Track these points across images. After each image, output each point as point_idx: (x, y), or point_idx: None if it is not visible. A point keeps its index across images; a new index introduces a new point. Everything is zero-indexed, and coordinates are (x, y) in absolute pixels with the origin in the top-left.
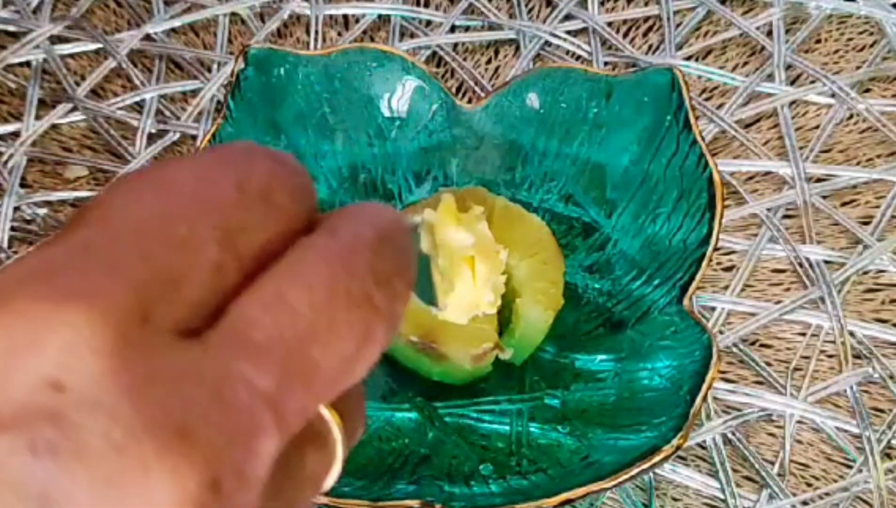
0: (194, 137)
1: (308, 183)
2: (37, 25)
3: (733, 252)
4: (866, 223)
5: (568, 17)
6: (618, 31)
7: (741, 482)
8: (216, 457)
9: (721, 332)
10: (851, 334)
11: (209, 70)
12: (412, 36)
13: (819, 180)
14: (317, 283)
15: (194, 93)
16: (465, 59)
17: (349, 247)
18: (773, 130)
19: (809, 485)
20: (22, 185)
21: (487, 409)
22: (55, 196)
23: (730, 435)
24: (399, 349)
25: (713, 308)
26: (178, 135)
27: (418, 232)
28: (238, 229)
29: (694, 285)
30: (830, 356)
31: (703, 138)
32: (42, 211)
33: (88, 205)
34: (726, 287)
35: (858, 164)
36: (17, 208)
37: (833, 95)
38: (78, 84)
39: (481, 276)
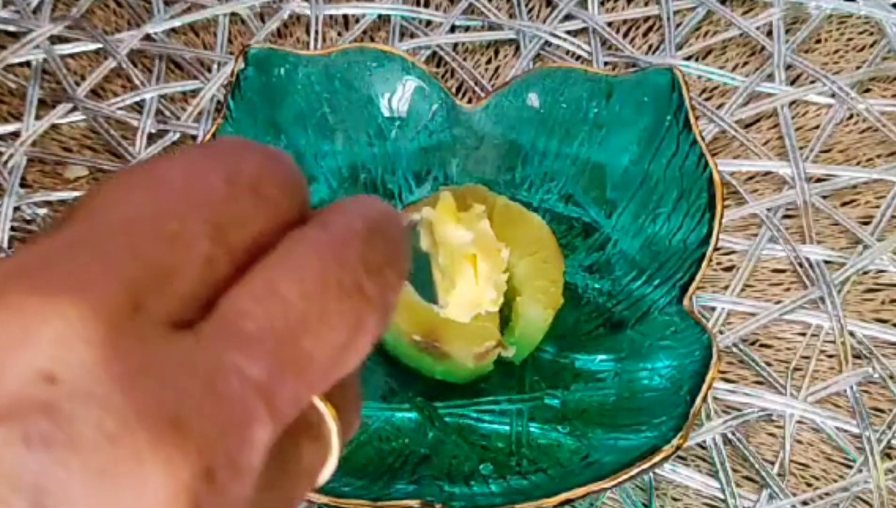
0: (194, 137)
1: (299, 177)
2: (37, 25)
3: (733, 252)
4: (866, 223)
5: (568, 17)
6: (618, 31)
7: (741, 482)
8: (209, 447)
9: (721, 332)
10: (851, 334)
11: (209, 70)
12: (412, 36)
13: (819, 180)
14: (307, 273)
15: (194, 93)
16: (465, 59)
17: (340, 238)
18: (773, 130)
19: (809, 485)
20: (22, 185)
21: (487, 409)
22: (55, 196)
23: (730, 435)
24: (401, 349)
25: (713, 308)
26: (178, 135)
27: (417, 230)
28: (228, 222)
29: (694, 285)
30: (830, 356)
31: (703, 138)
32: (42, 211)
33: (80, 201)
34: (726, 287)
35: (858, 164)
36: (17, 208)
37: (833, 95)
38: (78, 84)
39: (483, 274)
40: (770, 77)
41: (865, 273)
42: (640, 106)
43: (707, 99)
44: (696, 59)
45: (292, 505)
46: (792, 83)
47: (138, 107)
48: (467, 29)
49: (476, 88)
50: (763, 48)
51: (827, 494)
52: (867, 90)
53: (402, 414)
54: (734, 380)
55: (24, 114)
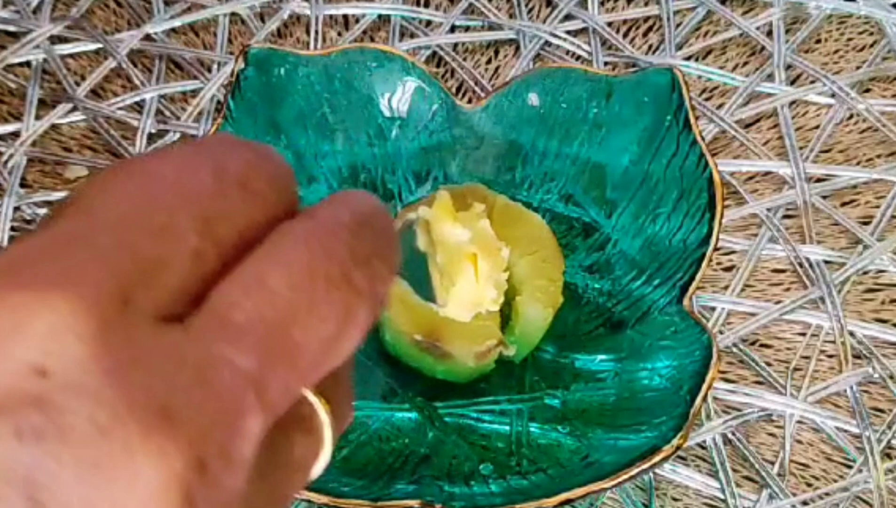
0: (194, 137)
1: (288, 173)
2: (37, 25)
3: (733, 252)
4: (866, 223)
5: (568, 17)
6: (618, 31)
7: (741, 482)
8: (201, 438)
9: (721, 332)
10: (851, 334)
11: (209, 70)
12: (412, 36)
13: (819, 180)
14: (295, 265)
15: (194, 93)
16: (465, 60)
17: (327, 230)
18: (773, 130)
19: (809, 485)
20: (22, 185)
21: (487, 409)
22: (55, 196)
23: (730, 435)
24: (402, 348)
25: (713, 308)
26: (178, 135)
27: (414, 229)
28: (216, 216)
29: (694, 285)
30: (830, 356)
31: (703, 138)
32: (42, 211)
33: (69, 197)
34: (726, 287)
35: (858, 164)
36: (17, 208)
37: (833, 95)
38: (78, 84)
39: (484, 273)
40: (770, 77)
41: (865, 273)
42: (640, 106)
43: (707, 99)
44: (696, 59)
45: (286, 499)
46: (792, 83)
47: (138, 107)
48: (467, 29)
49: (476, 88)
50: (763, 48)
51: (827, 494)
52: (867, 90)
53: (402, 414)
54: (734, 380)
55: (24, 114)
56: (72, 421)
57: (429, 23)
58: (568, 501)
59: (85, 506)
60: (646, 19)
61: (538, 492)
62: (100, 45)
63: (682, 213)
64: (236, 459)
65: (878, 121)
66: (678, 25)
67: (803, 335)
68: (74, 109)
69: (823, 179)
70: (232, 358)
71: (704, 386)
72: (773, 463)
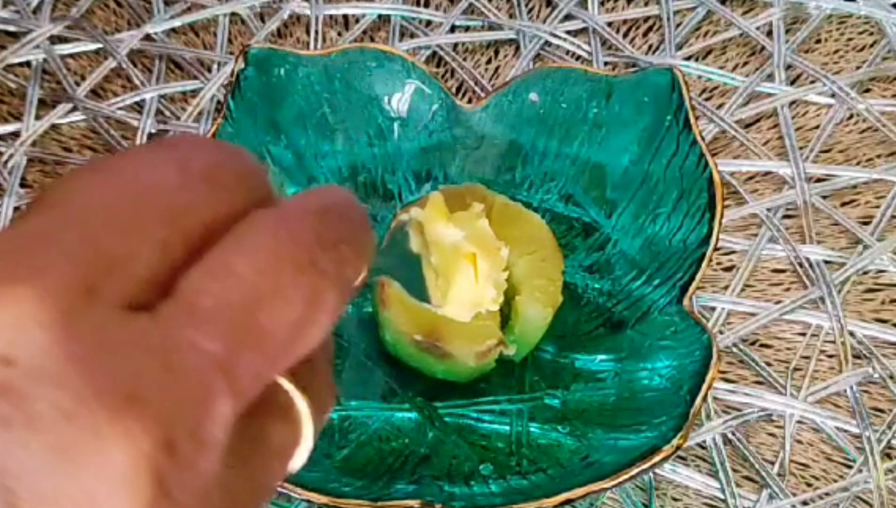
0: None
1: (257, 169)
2: (37, 25)
3: (733, 252)
4: (866, 223)
5: (568, 17)
6: (618, 31)
7: (741, 482)
8: (168, 419)
9: (721, 332)
10: (851, 334)
11: (209, 70)
12: (412, 36)
13: (819, 180)
14: (261, 251)
15: (194, 93)
16: (465, 60)
17: (293, 217)
18: (773, 130)
19: (809, 485)
20: (22, 185)
21: (487, 409)
22: None
23: (730, 435)
24: (402, 348)
25: (713, 308)
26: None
27: (406, 231)
28: (182, 209)
29: (694, 285)
30: (830, 356)
31: (703, 138)
32: None
33: (39, 196)
34: (726, 287)
35: (858, 164)
36: (17, 208)
37: (833, 95)
38: (78, 84)
39: (483, 273)
40: (770, 77)
41: (865, 273)
42: (640, 106)
43: (707, 99)
44: (696, 59)
45: (267, 486)
46: (792, 83)
47: (138, 107)
48: (467, 29)
49: (476, 88)
50: (763, 48)
51: (827, 494)
52: (867, 90)
53: (402, 414)
54: (734, 380)
55: (24, 114)
56: (38, 408)
57: (429, 23)
58: (568, 501)
59: (55, 492)
60: (646, 19)
61: (538, 492)
62: (100, 45)
63: (682, 213)
64: (208, 442)
65: (878, 121)
66: (678, 25)
67: (803, 335)
68: (74, 109)
69: (823, 179)
70: (199, 342)
71: (704, 386)
72: (773, 463)
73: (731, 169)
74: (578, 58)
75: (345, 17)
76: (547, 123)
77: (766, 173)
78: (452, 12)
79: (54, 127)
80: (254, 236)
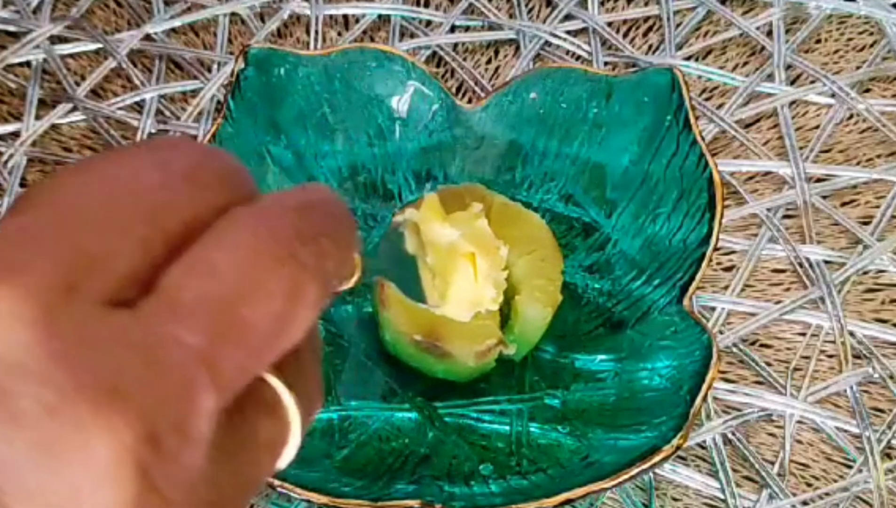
0: (194, 137)
1: (239, 169)
2: (37, 25)
3: (733, 252)
4: (866, 223)
5: (568, 17)
6: (618, 31)
7: (741, 482)
8: (151, 412)
9: (721, 332)
10: (851, 334)
11: (209, 70)
12: (412, 36)
13: (819, 180)
14: (240, 245)
15: (194, 93)
16: (465, 60)
17: (271, 211)
18: (773, 130)
19: (809, 485)
20: (22, 185)
21: (487, 409)
22: None
23: (730, 435)
24: (402, 349)
25: (713, 308)
26: (178, 135)
27: (401, 232)
28: (162, 207)
29: (694, 285)
30: (830, 356)
31: (703, 138)
32: None
33: (22, 196)
34: (726, 287)
35: (858, 164)
36: None
37: (833, 95)
38: (78, 84)
39: (483, 272)
40: (770, 77)
41: (865, 273)
42: (640, 106)
43: (707, 99)
44: (696, 59)
45: (255, 481)
46: (792, 83)
47: (138, 107)
48: (467, 29)
49: (476, 88)
50: (763, 48)
51: (827, 494)
52: (867, 90)
53: (402, 414)
54: (734, 380)
55: (24, 114)
56: (20, 404)
57: (429, 23)
58: (568, 501)
59: (40, 487)
60: (646, 19)
61: (538, 492)
62: (100, 45)
63: (682, 213)
64: (192, 435)
65: (878, 121)
66: (678, 25)
67: (803, 335)
68: (74, 109)
69: (823, 179)
70: (181, 336)
71: (704, 386)
72: (773, 463)
73: (731, 169)
74: (578, 58)
75: (345, 17)
76: (547, 123)
77: (766, 173)
78: (452, 12)
79: (54, 127)
80: (233, 232)
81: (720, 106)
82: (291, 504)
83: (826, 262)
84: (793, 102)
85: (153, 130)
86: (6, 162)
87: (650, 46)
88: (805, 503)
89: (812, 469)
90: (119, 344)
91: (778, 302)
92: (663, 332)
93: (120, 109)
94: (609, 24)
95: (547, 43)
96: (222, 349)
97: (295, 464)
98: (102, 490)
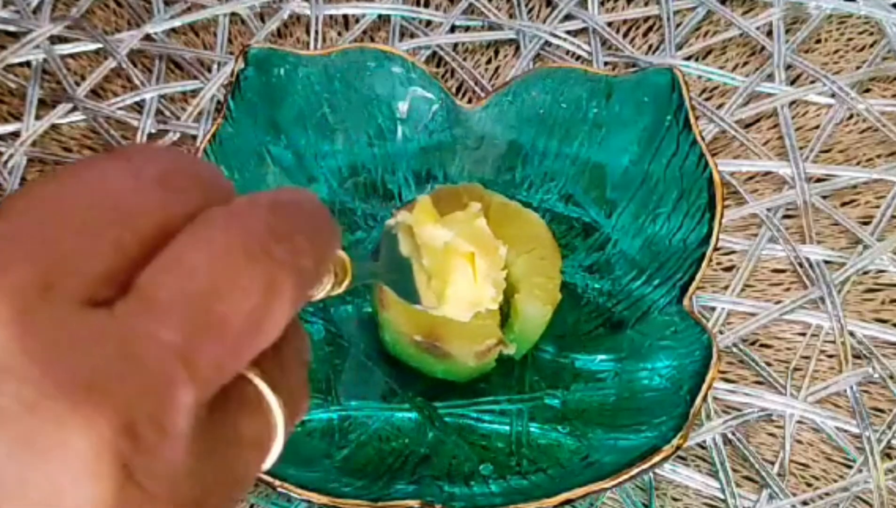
0: (194, 137)
1: (213, 173)
2: (37, 25)
3: (733, 252)
4: (866, 223)
5: (568, 17)
6: (618, 31)
7: (741, 482)
8: (128, 406)
9: (721, 332)
10: (851, 334)
11: (209, 70)
12: (412, 36)
13: (819, 180)
14: (213, 242)
15: (194, 93)
16: (465, 60)
17: (244, 210)
18: (773, 130)
19: (809, 485)
20: (22, 185)
21: (487, 409)
22: None
23: (730, 435)
24: (402, 349)
25: (713, 308)
26: (178, 135)
27: (394, 234)
28: (136, 210)
29: (694, 285)
30: (830, 356)
31: (703, 138)
32: None
33: (2, 203)
34: (726, 287)
35: (858, 164)
36: None
37: (833, 95)
38: (78, 84)
39: (482, 272)
40: (770, 77)
41: (865, 273)
42: (640, 106)
43: (707, 99)
44: (696, 59)
45: (242, 479)
46: (792, 83)
47: (138, 107)
48: (467, 29)
49: (476, 88)
50: (763, 48)
51: (827, 494)
52: (867, 90)
53: (402, 414)
54: (734, 380)
55: (24, 114)
56: (0, 402)
57: (429, 23)
58: (568, 501)
59: (21, 483)
60: (646, 19)
61: (538, 492)
62: (100, 45)
63: (682, 213)
64: (169, 429)
65: (878, 121)
66: (678, 25)
67: (803, 335)
68: (74, 109)
69: (823, 179)
70: (157, 333)
71: (704, 386)
72: (773, 463)
73: (731, 169)
74: (578, 58)
75: (345, 17)
76: (547, 123)
77: (766, 173)
78: (452, 12)
79: (54, 127)
80: (206, 230)
81: (720, 106)
82: (291, 504)
83: (826, 262)
84: (793, 102)
85: (153, 130)
86: (6, 162)
87: (650, 46)
88: (805, 503)
89: (812, 469)
90: (96, 342)
91: (778, 302)
92: (663, 332)
93: (120, 109)
94: (609, 24)
95: (547, 43)
96: (199, 344)
97: (295, 464)
98: (83, 484)
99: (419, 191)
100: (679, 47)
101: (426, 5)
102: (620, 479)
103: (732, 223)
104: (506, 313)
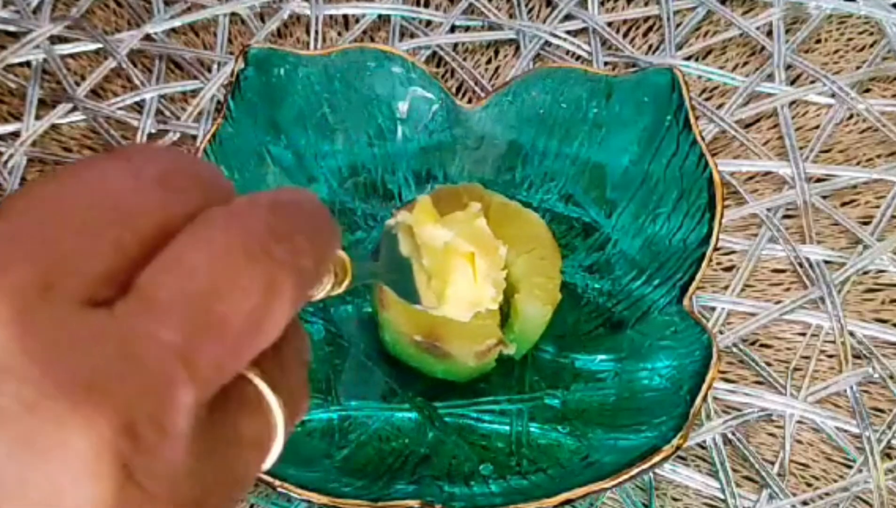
0: (194, 137)
1: (213, 173)
2: (37, 25)
3: (733, 252)
4: (866, 223)
5: (568, 17)
6: (618, 31)
7: (741, 482)
8: (128, 405)
9: (721, 332)
10: (851, 334)
11: (209, 70)
12: (412, 36)
13: (819, 180)
14: (213, 242)
15: (194, 93)
16: (465, 60)
17: (244, 210)
18: (773, 130)
19: (809, 485)
20: (22, 185)
21: (487, 409)
22: None
23: (730, 435)
24: (402, 349)
25: (713, 308)
26: (178, 135)
27: (394, 235)
28: (136, 210)
29: (694, 285)
30: (830, 356)
31: (703, 138)
32: None
33: (3, 203)
34: (726, 287)
35: (858, 164)
36: None
37: (833, 95)
38: (78, 84)
39: (482, 272)
40: (770, 77)
41: (865, 273)
42: (640, 106)
43: (707, 99)
44: (696, 59)
45: (242, 479)
46: (792, 83)
47: (138, 107)
48: (467, 29)
49: (476, 88)
50: (763, 48)
51: (827, 494)
52: (867, 90)
53: (402, 414)
54: (734, 380)
55: (24, 114)
56: (0, 402)
57: (429, 23)
58: (568, 501)
59: (21, 482)
60: (646, 19)
61: (538, 492)
62: (100, 45)
63: (682, 213)
64: (169, 428)
65: (878, 121)
66: (678, 25)
67: (803, 335)
68: (74, 109)
69: (823, 179)
70: (157, 333)
71: (704, 386)
72: (773, 463)
73: (731, 169)
74: (578, 58)
75: (345, 17)
76: (547, 123)
77: (766, 173)
78: (452, 12)
79: (54, 127)
80: (206, 230)
81: (720, 106)
82: (291, 504)
83: (826, 262)
84: (793, 102)
85: (153, 130)
86: (6, 162)
87: (650, 46)
88: (805, 503)
89: (812, 469)
90: (96, 341)
91: (778, 302)
92: (663, 332)
93: (120, 109)
94: (609, 24)
95: (547, 43)
96: (199, 344)
97: (295, 464)
98: (83, 484)
99: (419, 191)
100: (679, 47)
101: (426, 5)
102: (620, 479)
103: (732, 223)
104: (506, 313)
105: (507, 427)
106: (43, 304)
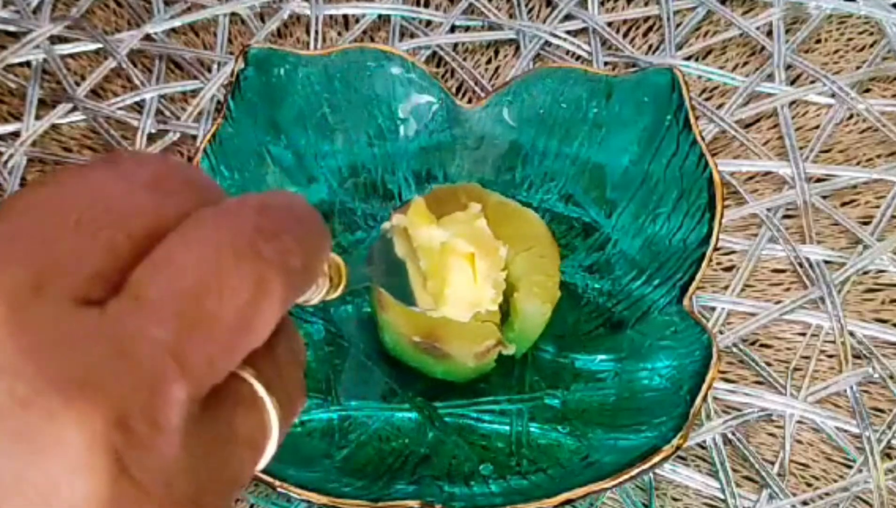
0: (194, 137)
1: (203, 177)
2: (37, 25)
3: (733, 252)
4: (866, 223)
5: (568, 17)
6: (618, 31)
7: (741, 482)
8: (120, 400)
9: (721, 332)
10: (851, 334)
11: (209, 70)
12: (412, 36)
13: (819, 180)
14: (202, 241)
15: (194, 93)
16: (465, 60)
17: (232, 211)
18: (773, 130)
19: (809, 485)
20: (22, 185)
21: (487, 409)
22: None
23: (730, 435)
24: (402, 349)
25: (713, 308)
26: (178, 135)
27: (389, 237)
28: (127, 212)
29: (694, 285)
30: (830, 356)
31: (703, 138)
32: None
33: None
34: (726, 287)
35: (858, 164)
36: None
37: (833, 95)
38: (78, 84)
39: (482, 273)
40: (770, 77)
41: (865, 273)
42: (640, 106)
43: (707, 99)
44: (696, 59)
45: (238, 477)
46: (792, 83)
47: (138, 107)
48: (467, 29)
49: (476, 88)
50: (763, 48)
51: (827, 494)
52: (867, 90)
53: (402, 414)
54: (734, 380)
55: (24, 114)
56: None
57: (429, 23)
58: (568, 501)
59: (16, 478)
60: (646, 19)
61: (538, 492)
62: (100, 45)
63: (682, 213)
64: (163, 423)
65: (878, 121)
66: (678, 25)
67: (803, 335)
68: (74, 109)
69: (823, 179)
70: (148, 331)
71: (704, 386)
72: (773, 463)
73: (731, 169)
74: (578, 58)
75: (345, 17)
76: (547, 123)
77: (766, 173)
78: (452, 12)
79: (54, 127)
80: (195, 230)
81: (720, 106)
82: (291, 504)
83: (826, 262)
84: (793, 102)
85: (153, 130)
86: (6, 162)
87: (650, 46)
88: (805, 503)
89: (812, 469)
90: (88, 339)
91: (778, 302)
92: (663, 332)
93: (120, 109)
94: (609, 24)
95: (547, 43)
96: (190, 341)
97: (295, 464)
98: (77, 477)
99: (419, 191)
100: (679, 47)
101: (426, 5)
102: (620, 479)
103: (732, 223)
104: (505, 311)
105: (507, 427)
106: (37, 303)
